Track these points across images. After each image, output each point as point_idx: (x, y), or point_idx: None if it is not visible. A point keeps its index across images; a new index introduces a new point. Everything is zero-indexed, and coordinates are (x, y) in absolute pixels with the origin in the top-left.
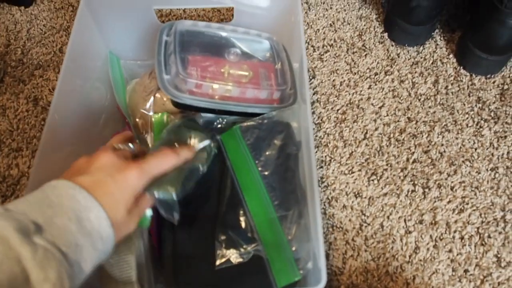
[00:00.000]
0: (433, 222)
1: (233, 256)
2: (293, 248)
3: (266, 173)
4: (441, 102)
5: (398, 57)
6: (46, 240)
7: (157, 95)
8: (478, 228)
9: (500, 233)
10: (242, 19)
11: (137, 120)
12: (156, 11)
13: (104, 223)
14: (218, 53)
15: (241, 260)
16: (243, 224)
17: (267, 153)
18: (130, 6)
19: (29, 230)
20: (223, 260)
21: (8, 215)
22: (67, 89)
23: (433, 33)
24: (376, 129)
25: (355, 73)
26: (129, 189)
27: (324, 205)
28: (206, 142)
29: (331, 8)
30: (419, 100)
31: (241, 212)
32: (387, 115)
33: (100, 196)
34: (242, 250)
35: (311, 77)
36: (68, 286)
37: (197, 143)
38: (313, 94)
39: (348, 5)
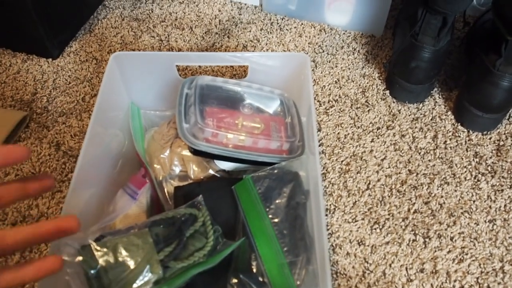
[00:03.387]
0: (434, 271)
1: None
2: None
3: (276, 220)
4: (440, 156)
5: (399, 113)
6: None
7: (174, 143)
8: (477, 278)
9: (499, 283)
10: (255, 76)
11: (155, 165)
12: (177, 67)
13: None
14: (233, 106)
15: None
16: (254, 269)
17: (277, 201)
18: (154, 62)
19: None
20: None
21: None
22: (92, 136)
23: (432, 92)
24: (379, 180)
25: (358, 127)
26: None
27: (328, 252)
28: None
29: (336, 66)
30: (419, 153)
31: (253, 257)
32: (389, 167)
33: None
34: None
35: (317, 130)
36: None
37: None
38: (319, 145)
39: (352, 64)
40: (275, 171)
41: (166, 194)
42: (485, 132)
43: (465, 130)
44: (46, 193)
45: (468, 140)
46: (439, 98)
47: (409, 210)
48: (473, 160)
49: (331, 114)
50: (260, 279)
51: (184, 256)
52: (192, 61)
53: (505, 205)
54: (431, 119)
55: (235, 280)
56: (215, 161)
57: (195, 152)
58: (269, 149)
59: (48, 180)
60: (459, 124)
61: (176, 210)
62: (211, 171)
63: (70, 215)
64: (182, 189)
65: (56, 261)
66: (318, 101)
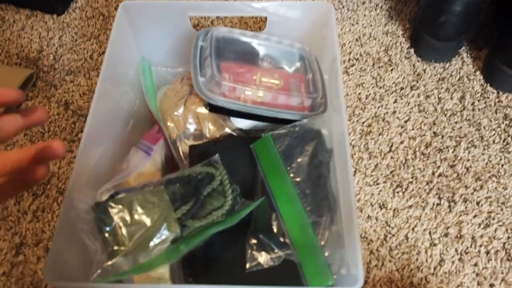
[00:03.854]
0: (459, 235)
1: (264, 259)
2: (326, 254)
3: (298, 179)
4: (467, 118)
5: (424, 72)
6: None
7: (188, 99)
8: (504, 243)
9: None
10: (274, 28)
11: (168, 123)
12: (190, 18)
13: None
14: (251, 60)
15: (272, 263)
16: (275, 229)
17: (298, 160)
18: (166, 12)
19: None
20: (254, 263)
21: None
22: (102, 94)
23: (460, 50)
24: (402, 142)
25: (380, 87)
26: None
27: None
28: None
29: (357, 23)
30: (445, 115)
31: (273, 217)
32: (413, 129)
33: None
34: (273, 254)
35: None
36: None
37: None
38: None
39: (375, 20)
40: (296, 128)
41: (181, 153)
42: None
43: (495, 91)
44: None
45: (498, 102)
46: (467, 57)
47: (433, 173)
48: (503, 122)
49: (352, 74)
50: (281, 239)
51: (201, 215)
52: (206, 10)
53: None
54: (458, 79)
55: (254, 241)
56: (232, 119)
57: (211, 108)
58: (290, 105)
59: (41, 111)
60: (488, 84)
61: (192, 169)
62: (227, 130)
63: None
64: (197, 148)
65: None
66: None
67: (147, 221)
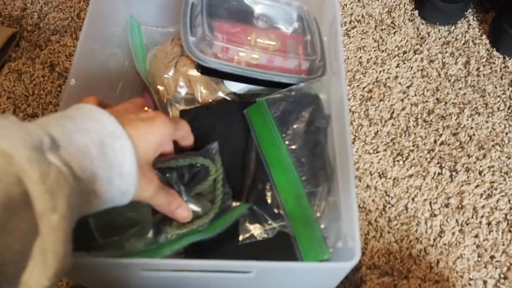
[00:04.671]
0: (460, 206)
1: (258, 231)
2: (322, 226)
3: (293, 147)
4: (472, 84)
5: (428, 36)
6: (62, 160)
7: (179, 61)
8: (506, 214)
9: None
10: None
11: (158, 87)
12: None
13: (128, 157)
14: (245, 19)
15: (266, 236)
16: (269, 199)
17: (294, 126)
18: None
19: (43, 144)
20: (247, 235)
21: (17, 127)
22: (85, 54)
23: (465, 13)
24: (403, 109)
25: (382, 51)
26: (157, 134)
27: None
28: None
29: None
30: (449, 81)
31: (267, 187)
32: (415, 95)
33: (128, 129)
34: (267, 226)
35: None
36: (74, 220)
37: None
38: None
39: None
40: (293, 93)
41: None
42: None
43: (501, 56)
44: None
45: (504, 67)
46: (473, 20)
47: (435, 141)
48: (508, 89)
49: (353, 36)
50: (276, 210)
51: (180, 223)
52: None
53: None
54: (464, 43)
55: (247, 212)
56: (225, 82)
57: (203, 70)
58: (286, 68)
59: None
60: (494, 49)
61: (187, 158)
62: (220, 94)
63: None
64: (188, 113)
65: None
66: None
67: (121, 220)
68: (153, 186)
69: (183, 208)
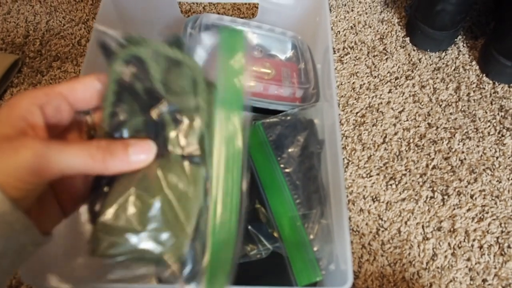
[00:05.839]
0: (452, 229)
1: (251, 251)
2: (315, 248)
3: (288, 170)
4: (462, 109)
5: (420, 62)
6: None
7: None
8: (497, 237)
9: None
10: (266, 16)
11: None
12: (180, 5)
13: None
14: None
15: (259, 256)
16: (263, 220)
17: (289, 150)
18: None
19: None
20: (241, 255)
21: None
22: None
23: (456, 39)
24: (396, 133)
25: (375, 77)
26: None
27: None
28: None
29: (352, 10)
30: (440, 106)
31: (262, 207)
32: (407, 120)
33: None
34: (261, 246)
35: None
36: None
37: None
38: None
39: (370, 8)
40: (288, 117)
41: None
42: None
43: (491, 81)
44: None
45: (494, 93)
46: (463, 46)
47: (427, 165)
48: (498, 114)
49: (346, 62)
50: (270, 231)
51: None
52: None
53: None
54: (454, 69)
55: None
56: None
57: None
58: (281, 96)
59: None
60: (484, 75)
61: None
62: None
63: None
64: None
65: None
66: (332, 48)
67: None
68: (27, 153)
69: (134, 147)
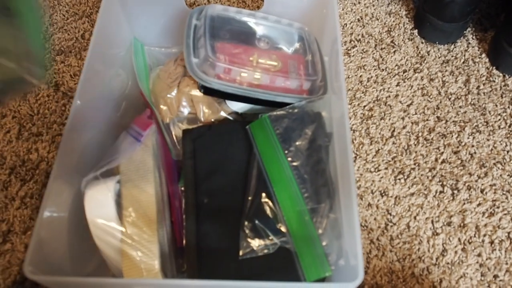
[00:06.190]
0: (462, 224)
1: (259, 246)
2: (324, 243)
3: (296, 164)
4: (472, 102)
5: (428, 54)
6: None
7: (182, 81)
8: (509, 233)
9: None
10: (272, 7)
11: (161, 107)
12: None
13: None
14: (247, 40)
15: (266, 251)
16: (270, 214)
17: (297, 143)
18: None
19: None
20: (247, 250)
21: None
22: (91, 75)
23: (465, 32)
24: (404, 127)
25: (383, 70)
26: None
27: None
28: None
29: (359, 3)
30: (449, 99)
31: (269, 202)
32: (416, 113)
33: None
34: (268, 241)
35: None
36: None
37: None
38: None
39: (377, 0)
40: (295, 110)
41: (174, 138)
42: None
43: (501, 74)
44: (46, 136)
45: (504, 86)
46: (473, 39)
47: (436, 159)
48: (509, 107)
49: (353, 55)
50: (278, 226)
51: None
52: None
53: None
54: (463, 62)
55: (249, 226)
56: (227, 102)
57: (206, 91)
58: (288, 88)
59: None
60: (494, 67)
61: None
62: (222, 113)
63: None
64: (191, 133)
65: None
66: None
67: None
68: None
69: None
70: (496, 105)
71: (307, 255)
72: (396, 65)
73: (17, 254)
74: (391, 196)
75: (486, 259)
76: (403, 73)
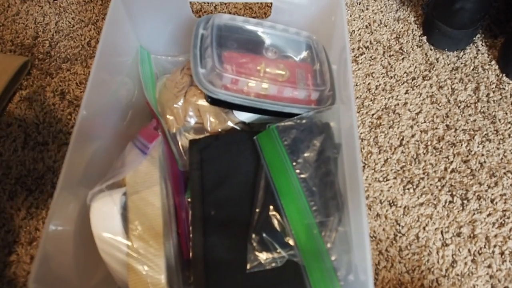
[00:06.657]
0: (472, 235)
1: (266, 260)
2: (333, 258)
3: (304, 176)
4: (482, 110)
5: (437, 61)
6: None
7: (189, 91)
8: None
9: None
10: (280, 16)
11: (167, 116)
12: (191, 4)
13: None
14: (254, 50)
15: (274, 264)
16: (278, 227)
17: (305, 155)
18: None
19: None
20: (255, 263)
21: None
22: (97, 84)
23: (474, 38)
24: (413, 136)
25: (391, 77)
26: None
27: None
28: None
29: (367, 9)
30: (459, 107)
31: (277, 214)
32: (425, 121)
33: None
34: (276, 254)
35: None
36: None
37: None
38: None
39: (385, 6)
40: (304, 121)
41: (181, 148)
42: None
43: (511, 82)
44: (52, 145)
45: None
46: (482, 46)
47: (446, 169)
48: None
49: (361, 63)
50: (286, 239)
51: None
52: None
53: None
54: (473, 69)
55: (256, 239)
56: (235, 112)
57: (213, 101)
58: (296, 98)
59: None
60: (504, 75)
61: None
62: (229, 123)
63: None
64: (198, 143)
65: None
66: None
67: None
68: None
69: None
70: (506, 113)
71: (316, 270)
72: (405, 72)
73: (23, 265)
74: (400, 206)
75: (497, 271)
76: (412, 80)
